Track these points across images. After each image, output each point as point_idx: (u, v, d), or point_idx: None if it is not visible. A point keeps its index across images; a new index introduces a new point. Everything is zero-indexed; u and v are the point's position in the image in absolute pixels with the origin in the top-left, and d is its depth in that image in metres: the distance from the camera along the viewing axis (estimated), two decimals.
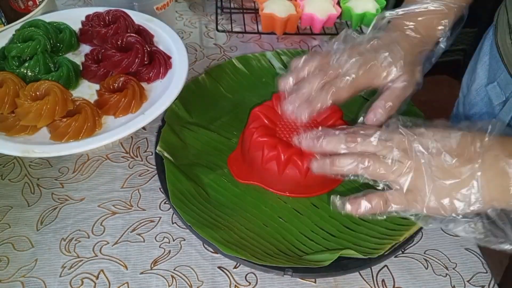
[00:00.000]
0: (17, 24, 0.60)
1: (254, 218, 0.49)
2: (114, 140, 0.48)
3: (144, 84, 0.55)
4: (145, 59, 0.56)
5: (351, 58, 0.46)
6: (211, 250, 0.47)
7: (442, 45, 0.50)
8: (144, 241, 0.48)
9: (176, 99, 0.53)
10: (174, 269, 0.46)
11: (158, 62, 0.56)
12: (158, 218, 0.50)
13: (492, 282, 0.46)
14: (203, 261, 0.47)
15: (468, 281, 0.46)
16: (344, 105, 0.49)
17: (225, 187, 0.52)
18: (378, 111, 0.46)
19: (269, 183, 0.51)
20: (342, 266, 0.44)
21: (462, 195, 0.37)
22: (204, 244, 0.48)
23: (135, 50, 0.55)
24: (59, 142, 0.48)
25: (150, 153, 0.56)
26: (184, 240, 0.48)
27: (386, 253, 0.45)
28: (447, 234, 0.49)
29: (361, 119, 0.48)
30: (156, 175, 0.52)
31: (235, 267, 0.46)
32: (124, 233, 0.48)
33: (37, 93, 0.50)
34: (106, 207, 0.51)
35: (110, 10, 0.61)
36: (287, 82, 0.48)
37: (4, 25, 0.64)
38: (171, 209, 0.50)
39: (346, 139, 0.42)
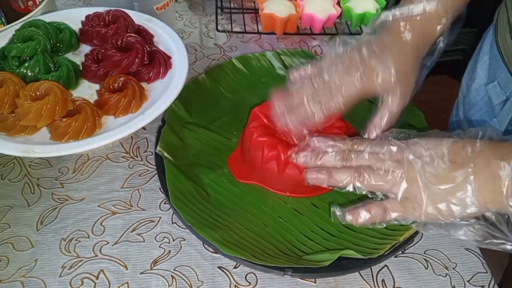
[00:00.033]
0: (17, 24, 0.60)
1: (254, 218, 0.49)
2: (114, 140, 0.48)
3: (144, 84, 0.55)
4: (145, 59, 0.56)
5: (342, 74, 0.46)
6: (211, 250, 0.47)
7: (442, 44, 0.49)
8: (144, 241, 0.48)
9: (176, 99, 0.53)
10: (174, 269, 0.46)
11: (158, 62, 0.56)
12: (158, 218, 0.50)
13: (492, 282, 0.46)
14: (203, 261, 0.47)
15: (468, 281, 0.46)
16: None
17: (225, 187, 0.52)
18: (375, 130, 0.47)
19: (269, 183, 0.51)
20: (342, 266, 0.44)
21: (458, 199, 0.38)
22: (204, 244, 0.48)
23: (135, 50, 0.55)
24: (59, 142, 0.48)
25: (150, 153, 0.56)
26: (184, 240, 0.48)
27: (386, 253, 0.45)
28: None
29: (362, 133, 0.49)
30: (156, 175, 0.52)
31: (235, 267, 0.46)
32: (124, 233, 0.48)
33: (37, 93, 0.50)
34: (106, 207, 0.51)
35: (110, 10, 0.61)
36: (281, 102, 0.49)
37: (4, 25, 0.64)
38: (171, 209, 0.50)
39: (342, 157, 0.44)
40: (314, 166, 0.45)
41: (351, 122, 0.54)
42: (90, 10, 0.63)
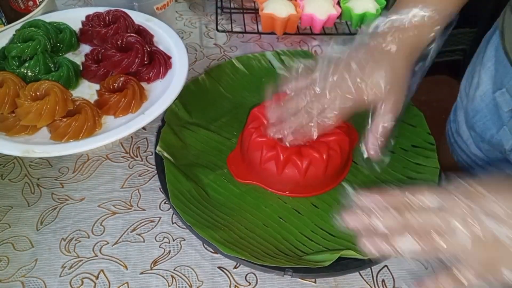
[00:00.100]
0: (17, 24, 0.60)
1: (254, 218, 0.49)
2: (114, 140, 0.48)
3: (144, 84, 0.55)
4: (145, 59, 0.56)
5: (333, 89, 0.45)
6: (211, 250, 0.47)
7: (432, 52, 0.48)
8: (144, 241, 0.48)
9: (176, 99, 0.53)
10: (174, 269, 0.46)
11: (158, 62, 0.56)
12: (158, 218, 0.50)
13: None
14: (203, 261, 0.47)
15: None
16: None
17: (225, 187, 0.52)
18: (373, 147, 0.46)
19: (268, 183, 0.51)
20: (342, 266, 0.44)
21: None
22: (204, 244, 0.48)
23: (135, 50, 0.55)
24: (59, 142, 0.48)
25: (150, 153, 0.56)
26: (184, 240, 0.48)
27: None
28: None
29: (363, 148, 0.47)
30: (156, 175, 0.52)
31: (235, 267, 0.46)
32: (124, 233, 0.48)
33: (37, 93, 0.50)
34: (106, 207, 0.51)
35: (110, 10, 0.61)
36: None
37: (4, 25, 0.64)
38: (171, 209, 0.50)
39: (403, 216, 0.35)
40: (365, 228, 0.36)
41: (352, 122, 0.54)
42: (90, 10, 0.63)
